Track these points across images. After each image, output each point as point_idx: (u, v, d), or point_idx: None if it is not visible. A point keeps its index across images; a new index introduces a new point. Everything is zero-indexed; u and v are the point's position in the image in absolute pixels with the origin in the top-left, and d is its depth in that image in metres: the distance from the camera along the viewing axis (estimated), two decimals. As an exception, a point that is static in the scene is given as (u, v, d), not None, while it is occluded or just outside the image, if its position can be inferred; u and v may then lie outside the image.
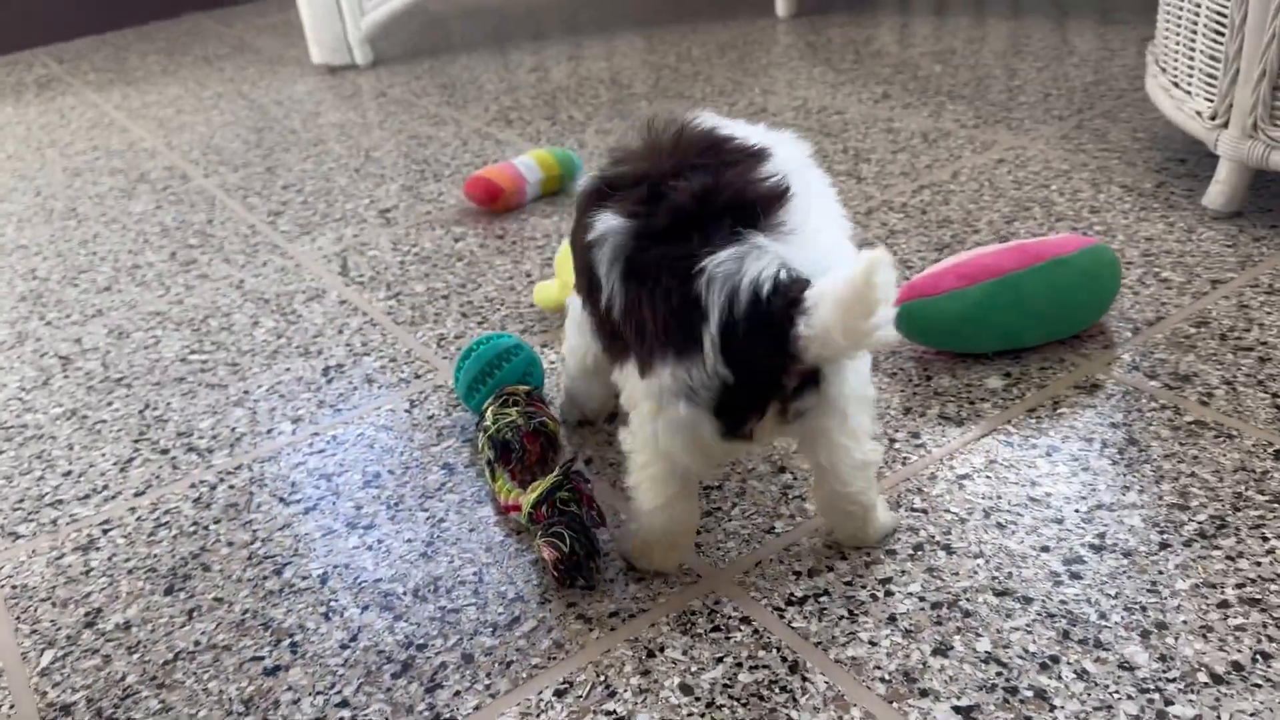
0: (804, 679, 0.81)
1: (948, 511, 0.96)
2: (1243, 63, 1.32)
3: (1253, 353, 1.13)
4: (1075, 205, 1.50)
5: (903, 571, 0.89)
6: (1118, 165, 1.61)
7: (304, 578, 0.97)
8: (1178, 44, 1.48)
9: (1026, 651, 0.80)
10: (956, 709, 0.76)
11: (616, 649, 0.85)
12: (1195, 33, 1.42)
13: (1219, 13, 1.35)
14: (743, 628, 0.86)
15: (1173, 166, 1.59)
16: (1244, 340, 1.15)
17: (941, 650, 0.81)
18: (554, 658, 0.85)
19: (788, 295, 0.71)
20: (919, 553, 0.91)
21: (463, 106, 2.30)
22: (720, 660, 0.83)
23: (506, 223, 1.68)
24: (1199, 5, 1.40)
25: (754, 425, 0.78)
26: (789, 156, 0.83)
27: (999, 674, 0.79)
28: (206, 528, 1.05)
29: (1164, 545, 0.89)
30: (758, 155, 0.82)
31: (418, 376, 1.28)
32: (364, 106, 2.38)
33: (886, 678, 0.80)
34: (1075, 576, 0.87)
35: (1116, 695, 0.76)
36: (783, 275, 0.72)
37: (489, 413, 1.07)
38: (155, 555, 1.03)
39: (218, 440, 1.20)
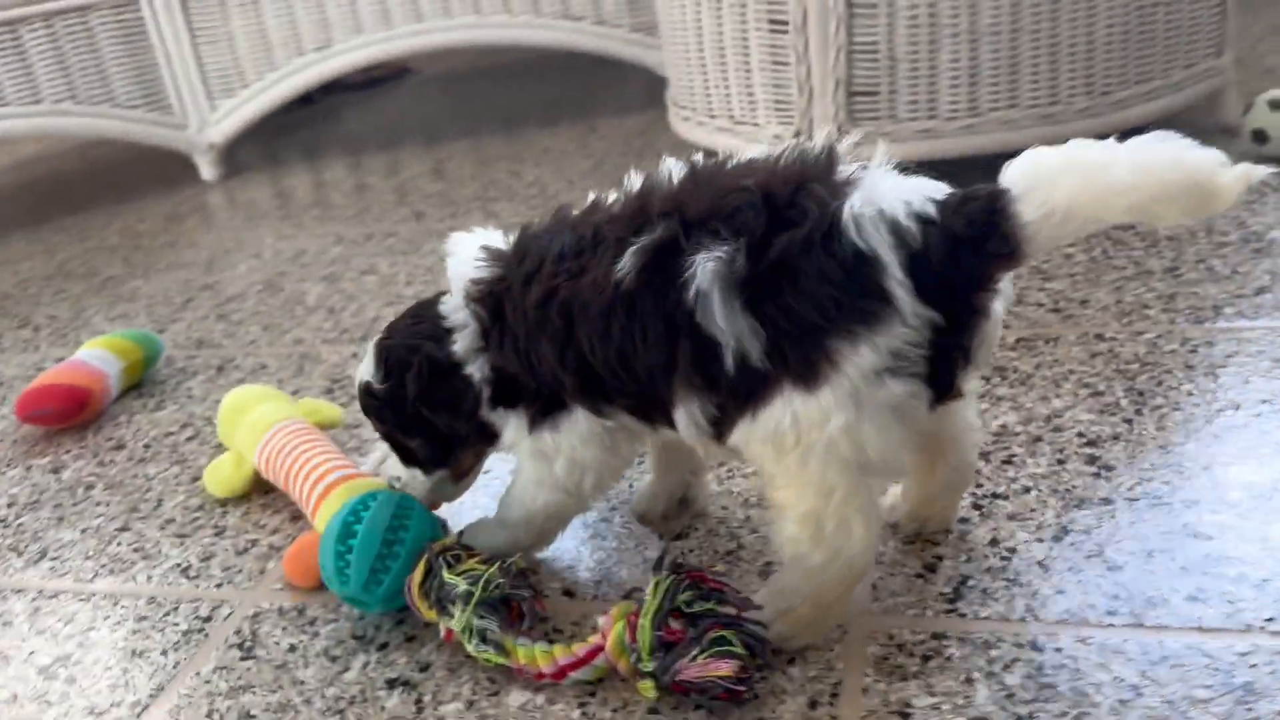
0: (1056, 650, 0.73)
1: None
2: (815, 81, 1.52)
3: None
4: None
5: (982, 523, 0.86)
6: (699, 208, 1.74)
7: None
8: (728, 89, 1.65)
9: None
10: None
11: (867, 730, 0.68)
12: (749, 72, 1.60)
13: (776, 46, 1.54)
14: (944, 642, 0.75)
15: (743, 197, 1.76)
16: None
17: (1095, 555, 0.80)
18: (817, 778, 0.65)
19: (977, 199, 0.65)
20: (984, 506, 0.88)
21: None
22: (970, 680, 0.71)
23: (104, 433, 1.26)
24: (748, 48, 1.58)
25: (960, 374, 0.69)
26: None
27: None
28: None
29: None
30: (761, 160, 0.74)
31: (206, 619, 0.90)
32: None
33: (1115, 599, 0.75)
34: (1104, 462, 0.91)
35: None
36: (918, 195, 0.67)
37: (455, 579, 0.79)
38: None
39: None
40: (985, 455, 0.95)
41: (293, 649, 0.85)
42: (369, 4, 2.26)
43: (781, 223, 0.68)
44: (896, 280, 0.65)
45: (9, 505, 1.14)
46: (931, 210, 0.66)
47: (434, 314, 0.84)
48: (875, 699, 0.71)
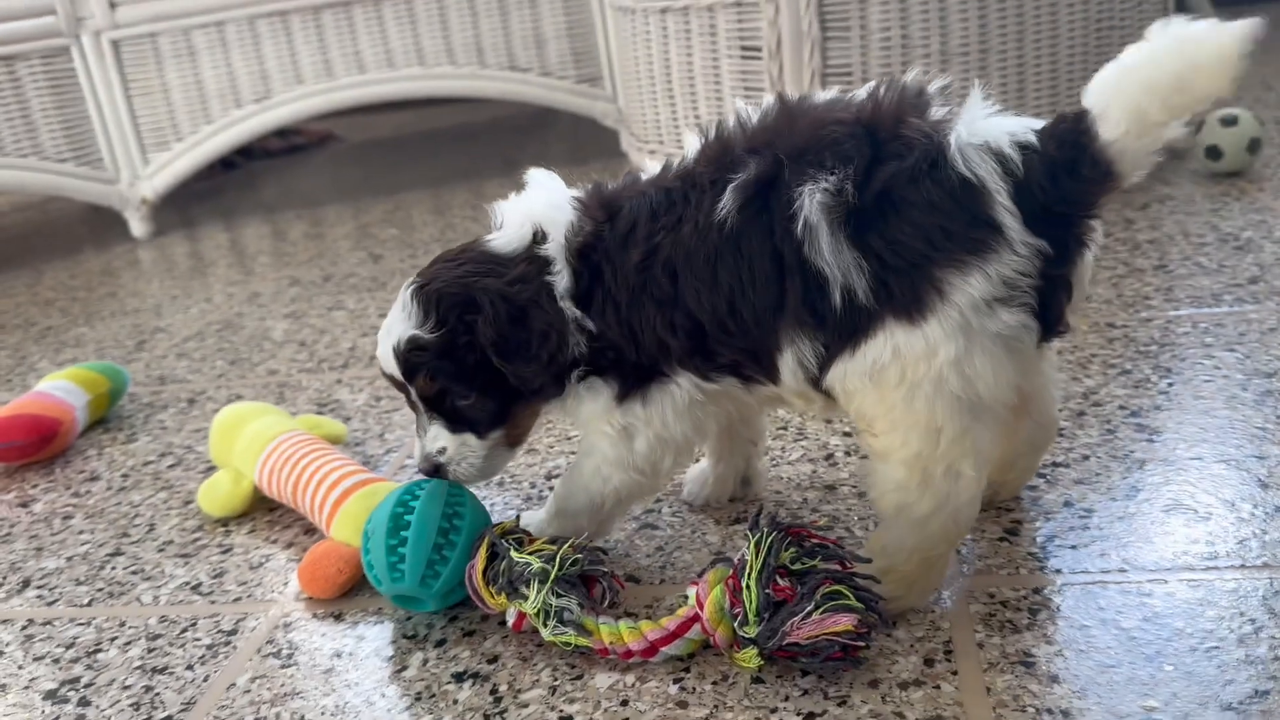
0: (1168, 595, 0.71)
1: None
2: (790, 104, 1.54)
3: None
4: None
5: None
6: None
7: None
8: (698, 118, 1.66)
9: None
10: None
11: (1000, 679, 0.65)
12: (720, 99, 1.61)
13: (748, 72, 1.56)
14: (1046, 595, 0.72)
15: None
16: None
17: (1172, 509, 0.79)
18: (956, 729, 0.62)
19: (1065, 121, 0.65)
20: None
21: None
22: (1085, 627, 0.69)
23: (74, 466, 1.16)
24: (719, 76, 1.60)
25: (1067, 307, 0.68)
26: None
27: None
28: None
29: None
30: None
31: (230, 633, 0.82)
32: None
33: (1211, 545, 0.74)
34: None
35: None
36: (1020, 126, 0.67)
37: (527, 558, 0.74)
38: None
39: None
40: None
41: (338, 654, 0.78)
42: (310, 55, 2.22)
43: (886, 154, 0.67)
44: (1005, 208, 0.65)
45: (-22, 541, 1.03)
46: (1033, 139, 0.66)
47: (481, 253, 0.77)
48: (994, 651, 0.68)
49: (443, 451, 0.79)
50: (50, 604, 0.90)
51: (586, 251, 0.74)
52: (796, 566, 0.68)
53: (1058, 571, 0.75)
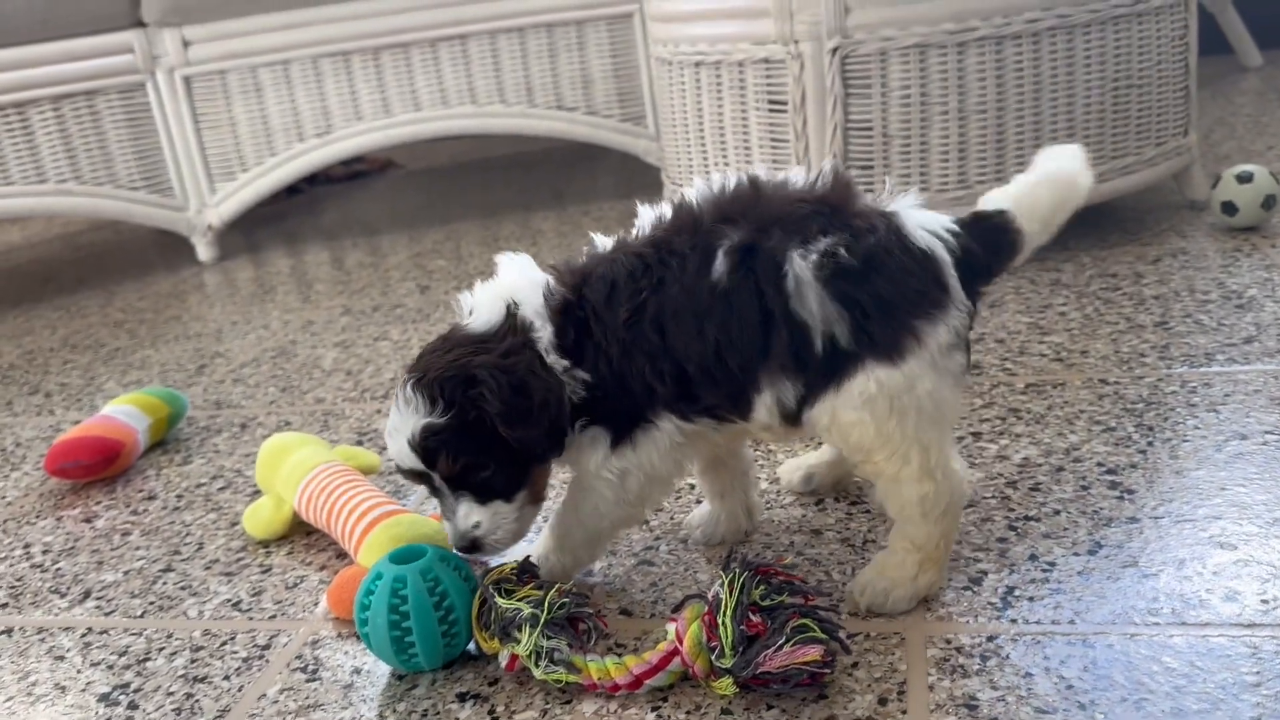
0: (1108, 647, 0.77)
1: (985, 499, 0.99)
2: (812, 157, 1.61)
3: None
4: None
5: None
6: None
7: None
8: (727, 166, 1.74)
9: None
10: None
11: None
12: (749, 149, 1.69)
13: (775, 124, 1.64)
14: (998, 643, 0.79)
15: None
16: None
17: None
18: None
19: (991, 216, 0.83)
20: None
21: None
22: (1029, 675, 0.75)
23: (134, 485, 1.27)
24: (748, 127, 1.68)
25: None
26: None
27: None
28: None
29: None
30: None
31: (264, 647, 0.91)
32: None
33: (1155, 601, 0.80)
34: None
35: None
36: (940, 218, 0.83)
37: (516, 604, 0.81)
38: None
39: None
40: (1013, 483, 1.00)
41: (357, 671, 0.86)
42: (369, 92, 2.34)
43: (859, 228, 0.80)
44: (951, 275, 0.80)
45: (44, 552, 1.14)
46: (955, 227, 0.82)
47: (464, 336, 0.84)
48: (942, 694, 0.74)
49: (478, 525, 0.85)
50: (107, 614, 1.00)
51: (567, 309, 0.84)
52: (765, 603, 0.75)
53: (1013, 621, 0.81)
